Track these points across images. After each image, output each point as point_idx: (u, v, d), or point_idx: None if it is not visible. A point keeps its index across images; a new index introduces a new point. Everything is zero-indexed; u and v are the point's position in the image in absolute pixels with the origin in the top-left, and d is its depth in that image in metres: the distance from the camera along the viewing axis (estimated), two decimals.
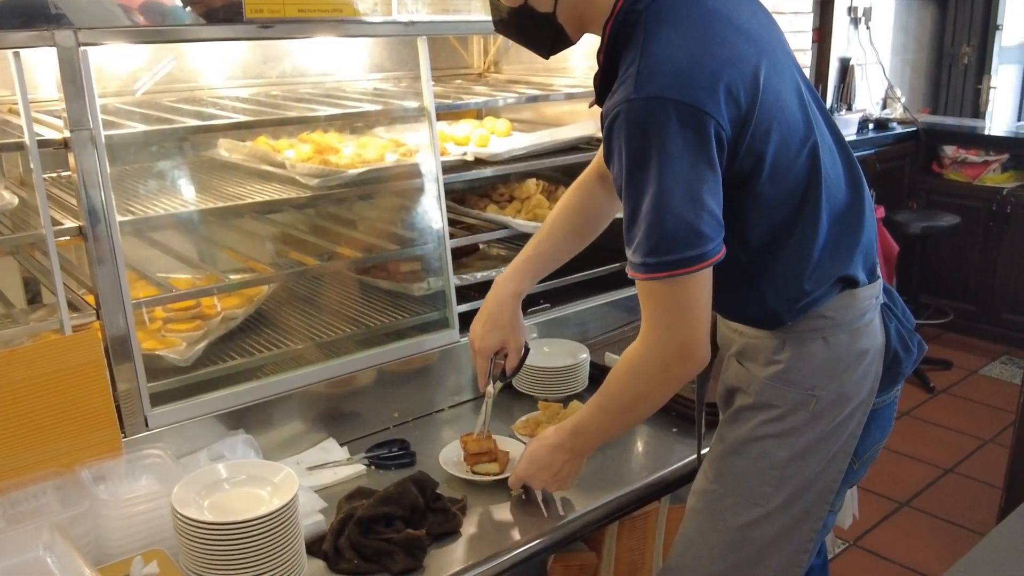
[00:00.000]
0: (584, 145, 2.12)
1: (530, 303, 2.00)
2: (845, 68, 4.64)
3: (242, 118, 1.69)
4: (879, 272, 1.33)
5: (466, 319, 1.84)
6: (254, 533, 1.13)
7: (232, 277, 1.74)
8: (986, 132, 4.54)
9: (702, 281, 1.13)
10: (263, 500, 1.20)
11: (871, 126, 4.61)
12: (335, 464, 1.57)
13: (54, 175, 1.78)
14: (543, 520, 1.42)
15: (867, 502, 2.97)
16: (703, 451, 1.50)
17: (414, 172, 1.81)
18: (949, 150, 4.58)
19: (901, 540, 2.79)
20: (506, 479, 1.46)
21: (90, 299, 1.45)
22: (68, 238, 1.39)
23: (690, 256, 1.11)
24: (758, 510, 1.27)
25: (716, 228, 1.12)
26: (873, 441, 1.34)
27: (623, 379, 1.23)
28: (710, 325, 1.16)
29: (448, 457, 1.57)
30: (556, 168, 2.11)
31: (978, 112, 5.10)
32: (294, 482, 1.21)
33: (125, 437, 1.44)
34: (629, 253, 1.16)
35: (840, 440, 1.28)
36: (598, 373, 1.89)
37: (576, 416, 1.35)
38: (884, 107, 4.88)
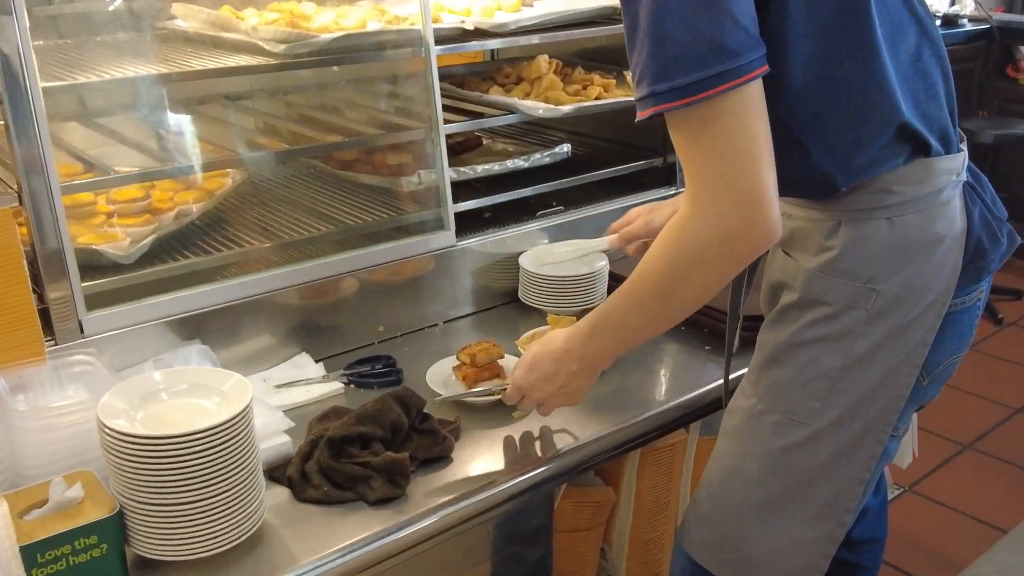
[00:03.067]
0: (603, 19, 2.01)
1: (542, 206, 1.97)
2: None
3: None
4: (963, 146, 1.22)
5: (464, 221, 1.83)
6: (196, 450, 1.05)
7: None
8: None
9: (749, 106, 1.01)
10: (208, 412, 1.13)
11: (938, 23, 4.38)
12: (308, 381, 1.54)
13: None
14: (548, 445, 1.37)
15: (925, 443, 2.91)
16: (734, 374, 1.44)
17: (401, 41, 1.72)
18: None
19: (963, 486, 2.76)
20: (504, 390, 1.40)
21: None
22: None
23: (712, 75, 0.99)
24: (803, 430, 1.19)
25: (746, 41, 1.00)
26: (948, 352, 1.24)
27: (663, 258, 1.11)
28: (775, 173, 1.04)
29: (438, 375, 1.51)
30: (572, 45, 2.02)
31: None
32: (247, 391, 1.13)
33: (55, 345, 1.38)
34: (635, 91, 1.06)
35: (907, 347, 1.18)
36: (618, 285, 1.80)
37: (594, 313, 1.25)
38: (953, 2, 4.66)
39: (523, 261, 1.80)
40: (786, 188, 1.15)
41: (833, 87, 1.11)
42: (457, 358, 1.50)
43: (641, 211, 1.61)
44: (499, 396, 1.41)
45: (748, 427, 1.24)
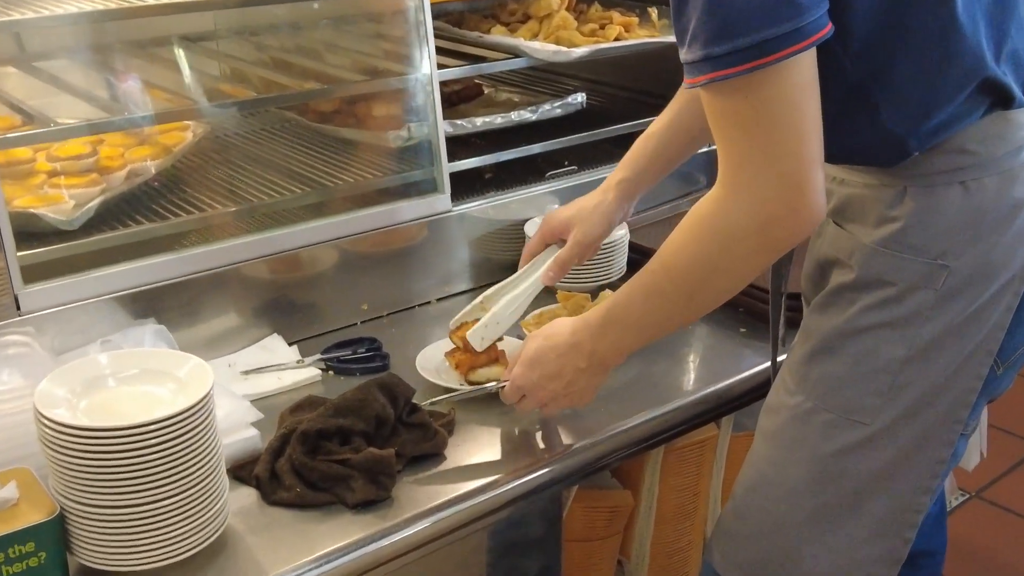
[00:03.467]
0: None
1: (552, 165, 1.98)
2: None
3: None
4: None
5: (461, 181, 1.83)
6: (148, 445, 1.05)
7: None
8: None
9: (804, 76, 1.02)
10: (163, 401, 1.13)
11: None
12: (279, 367, 1.55)
13: None
14: (557, 441, 1.38)
15: (995, 442, 2.88)
16: (781, 357, 1.43)
17: None
18: None
19: None
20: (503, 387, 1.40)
21: None
22: None
23: (779, 35, 0.99)
24: (860, 431, 1.19)
25: None
26: None
27: (691, 247, 1.14)
28: (823, 152, 1.06)
29: (430, 361, 1.51)
30: None
31: None
32: (207, 376, 1.13)
33: None
34: (683, 53, 1.06)
35: (980, 332, 1.18)
36: (640, 259, 1.82)
37: (607, 304, 1.27)
38: None
39: (529, 229, 1.79)
40: (847, 156, 1.17)
41: (904, 35, 1.10)
42: (451, 340, 1.49)
43: (555, 226, 1.52)
44: (496, 392, 1.42)
45: (793, 428, 1.24)
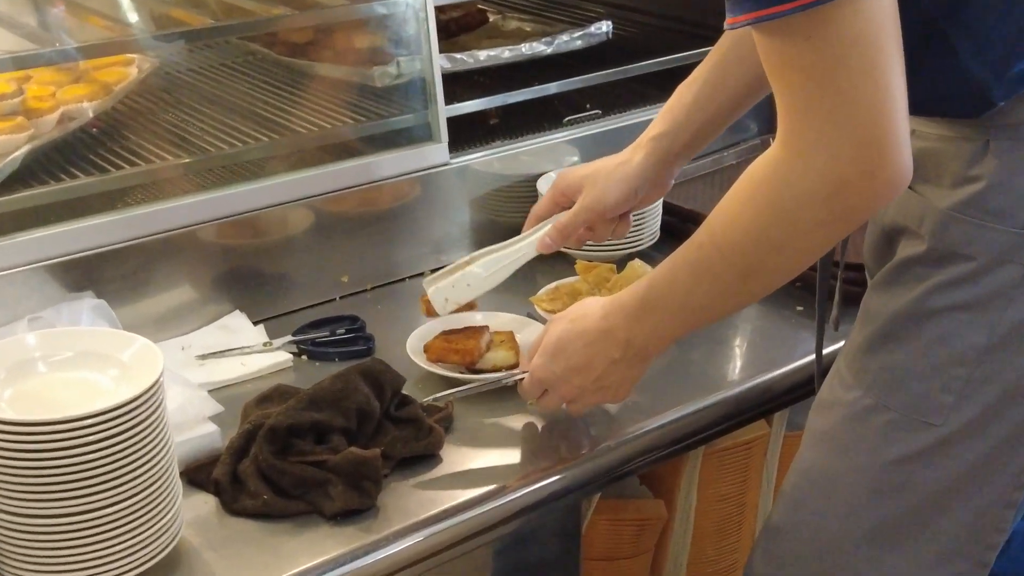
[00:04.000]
0: None
1: (571, 108, 1.99)
2: None
3: None
4: None
5: (461, 128, 1.83)
6: (86, 442, 1.06)
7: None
8: None
9: (876, 6, 1.00)
10: (103, 390, 1.14)
11: None
12: (243, 351, 1.56)
13: None
14: (576, 441, 1.39)
15: None
16: (831, 347, 1.45)
17: None
18: None
19: None
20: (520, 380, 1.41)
21: None
22: None
23: None
24: (930, 434, 1.20)
25: None
26: None
27: (746, 216, 1.14)
28: (907, 103, 1.06)
29: (423, 343, 1.52)
30: None
31: None
32: (156, 361, 1.14)
33: None
34: None
35: None
36: (677, 223, 1.85)
37: (645, 283, 1.27)
38: None
39: (542, 187, 1.80)
40: (920, 106, 1.15)
41: None
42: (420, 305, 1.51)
43: (566, 186, 1.52)
44: (510, 376, 1.42)
45: (849, 429, 1.24)
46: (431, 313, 1.48)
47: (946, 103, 1.18)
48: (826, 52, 1.02)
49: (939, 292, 1.18)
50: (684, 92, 1.48)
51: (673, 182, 1.54)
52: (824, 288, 1.44)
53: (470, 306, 1.50)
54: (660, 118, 1.49)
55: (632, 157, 1.48)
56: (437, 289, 1.45)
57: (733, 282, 1.19)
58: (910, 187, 1.20)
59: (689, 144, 1.49)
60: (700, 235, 1.19)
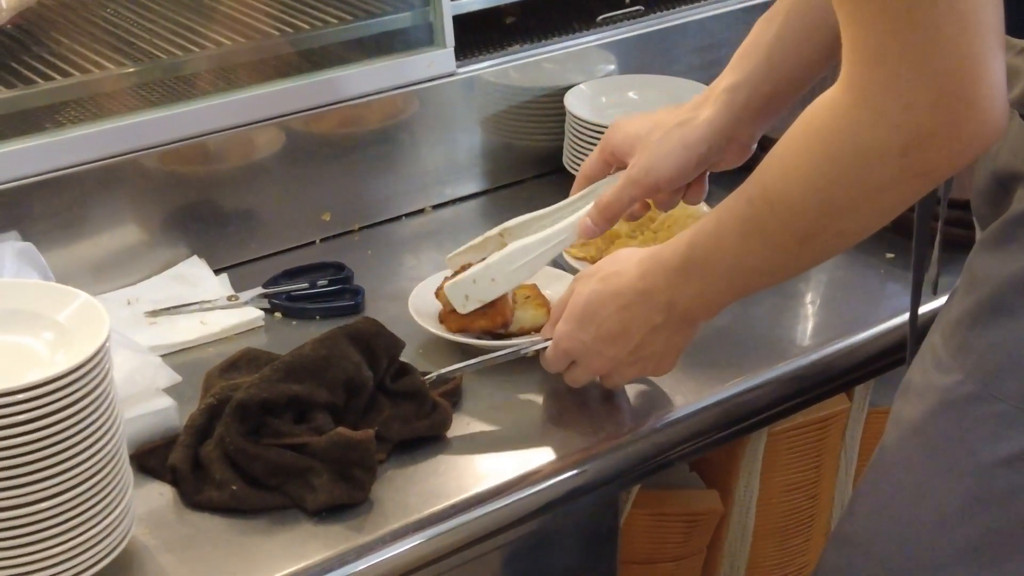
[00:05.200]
0: None
1: (606, 4, 2.00)
2: None
3: None
4: None
5: (470, 29, 1.83)
6: (14, 423, 1.06)
7: None
8: None
9: None
10: (34, 357, 1.14)
11: None
12: (203, 306, 1.58)
13: None
14: (611, 419, 1.40)
15: None
16: (931, 303, 1.45)
17: None
18: None
19: None
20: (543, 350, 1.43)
21: None
22: None
23: None
24: None
25: None
26: None
27: (803, 170, 1.15)
28: (1002, 33, 1.05)
29: (427, 300, 1.53)
30: None
31: None
32: (100, 321, 1.14)
33: None
34: None
35: None
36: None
37: (690, 238, 1.29)
38: None
39: (573, 104, 1.80)
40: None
41: None
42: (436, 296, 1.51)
43: (618, 142, 1.50)
44: (534, 343, 1.44)
45: (945, 421, 1.24)
46: (448, 325, 1.48)
47: None
48: None
49: None
50: (764, 29, 1.46)
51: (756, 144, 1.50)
52: (924, 233, 1.44)
53: (498, 307, 1.48)
54: (735, 62, 1.46)
55: (697, 114, 1.45)
56: (456, 284, 1.44)
57: (789, 245, 1.21)
58: None
59: (772, 96, 1.45)
60: (750, 187, 1.21)
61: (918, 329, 1.42)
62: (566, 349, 1.36)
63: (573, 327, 1.35)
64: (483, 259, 1.46)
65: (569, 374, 1.39)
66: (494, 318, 1.47)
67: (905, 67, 1.05)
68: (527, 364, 1.44)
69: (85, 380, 1.09)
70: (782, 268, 1.28)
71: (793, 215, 1.18)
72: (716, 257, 1.26)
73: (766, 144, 1.31)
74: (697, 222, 1.29)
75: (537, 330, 1.47)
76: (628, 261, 1.34)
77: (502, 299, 1.47)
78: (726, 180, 1.60)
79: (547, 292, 1.52)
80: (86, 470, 1.10)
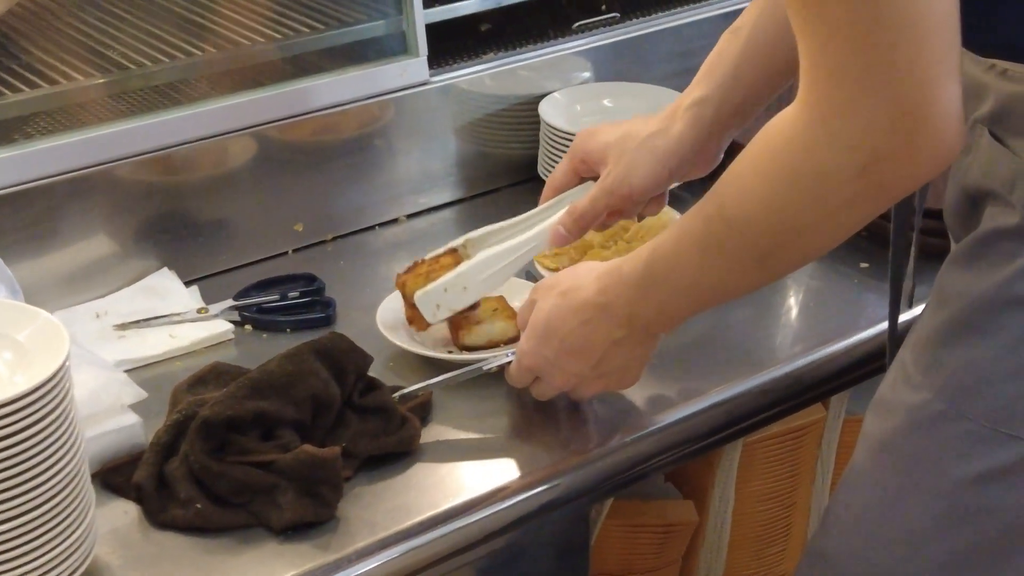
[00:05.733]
0: None
1: (583, 11, 2.00)
2: None
3: None
4: None
5: (445, 37, 1.84)
6: None
7: None
8: None
9: None
10: None
11: None
12: (172, 319, 1.58)
13: None
14: (583, 431, 1.40)
15: None
16: (906, 313, 1.46)
17: None
18: None
19: None
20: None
21: None
22: None
23: None
24: (1017, 449, 1.20)
25: None
26: None
27: (762, 190, 1.16)
28: (957, 56, 1.07)
29: (395, 312, 1.53)
30: None
31: None
32: (60, 341, 1.13)
33: None
34: None
35: None
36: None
37: (647, 253, 1.29)
38: None
39: (547, 112, 1.80)
40: (1007, 47, 1.17)
41: None
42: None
43: (589, 151, 1.51)
44: (501, 353, 1.44)
45: (916, 440, 1.25)
46: (419, 324, 1.47)
47: None
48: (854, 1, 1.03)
49: None
50: (729, 41, 1.47)
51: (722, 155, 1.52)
52: (901, 243, 1.45)
53: (468, 314, 1.48)
54: (702, 76, 1.48)
55: (668, 126, 1.47)
56: (426, 293, 1.43)
57: (747, 263, 1.22)
58: (999, 139, 1.21)
59: (739, 108, 1.47)
60: (707, 205, 1.21)
61: (897, 338, 1.41)
62: (529, 366, 1.37)
63: (535, 343, 1.35)
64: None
65: (534, 389, 1.39)
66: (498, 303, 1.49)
67: (862, 89, 1.06)
68: (496, 378, 1.44)
69: (44, 401, 1.09)
70: (742, 284, 1.29)
71: (752, 234, 1.19)
72: (675, 274, 1.27)
73: (734, 149, 1.33)
74: (656, 237, 1.29)
75: (507, 342, 1.47)
76: (587, 276, 1.34)
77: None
78: (698, 187, 1.61)
79: (515, 304, 1.51)
80: (46, 491, 1.10)
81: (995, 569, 1.23)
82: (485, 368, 1.42)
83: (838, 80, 1.07)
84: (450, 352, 1.47)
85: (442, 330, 1.51)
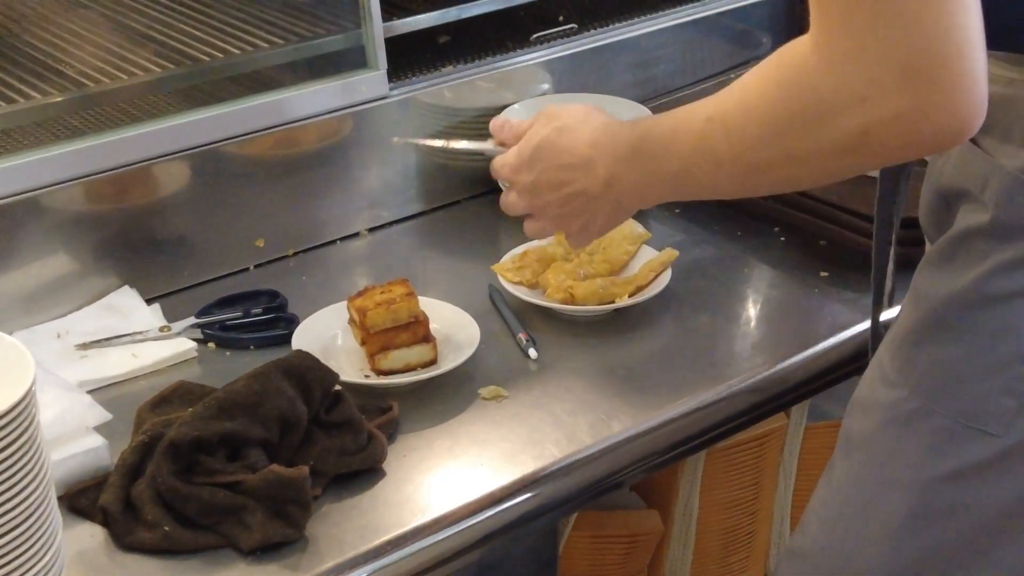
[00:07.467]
0: None
1: (540, 23, 2.01)
2: None
3: None
4: None
5: (403, 51, 1.85)
6: None
7: None
8: None
9: None
10: None
11: None
12: (135, 338, 1.57)
13: None
14: (548, 444, 1.39)
15: None
16: (885, 316, 1.46)
17: None
18: None
19: None
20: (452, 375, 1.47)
21: None
22: None
23: None
24: (987, 445, 1.21)
25: None
26: None
27: (763, 110, 1.14)
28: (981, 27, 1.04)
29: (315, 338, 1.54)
30: None
31: None
32: (25, 365, 1.12)
33: None
34: None
35: None
36: None
37: (644, 127, 1.32)
38: None
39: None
40: (986, 40, 1.14)
41: None
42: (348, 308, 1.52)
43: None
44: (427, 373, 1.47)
45: (891, 437, 1.25)
46: (371, 339, 1.48)
47: (1018, 36, 1.17)
48: None
49: (1004, 274, 1.19)
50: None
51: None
52: (884, 253, 1.46)
53: (421, 322, 1.50)
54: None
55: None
56: None
57: (735, 171, 1.21)
58: (972, 141, 1.20)
59: None
60: (710, 106, 1.21)
61: (879, 330, 1.43)
62: (506, 177, 1.45)
63: (518, 164, 1.41)
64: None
65: (505, 199, 1.45)
66: (416, 331, 1.48)
67: (870, 40, 1.03)
68: (462, 398, 1.45)
69: (11, 427, 1.07)
70: (723, 189, 1.31)
71: (745, 148, 1.18)
72: (663, 158, 1.28)
73: None
74: (660, 115, 1.30)
75: (423, 366, 1.48)
76: (587, 123, 1.37)
77: (425, 318, 1.50)
78: (698, 213, 1.64)
79: (434, 326, 1.52)
80: (14, 517, 1.09)
81: (972, 564, 1.24)
82: (490, 152, 1.49)
83: (846, 28, 1.05)
84: (367, 377, 1.48)
85: (360, 356, 1.51)
